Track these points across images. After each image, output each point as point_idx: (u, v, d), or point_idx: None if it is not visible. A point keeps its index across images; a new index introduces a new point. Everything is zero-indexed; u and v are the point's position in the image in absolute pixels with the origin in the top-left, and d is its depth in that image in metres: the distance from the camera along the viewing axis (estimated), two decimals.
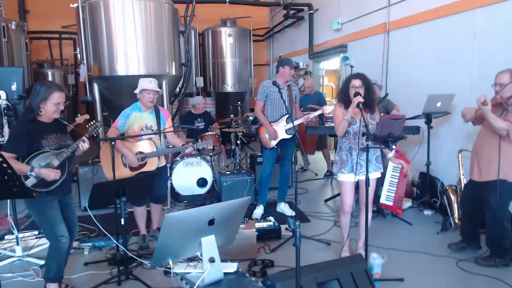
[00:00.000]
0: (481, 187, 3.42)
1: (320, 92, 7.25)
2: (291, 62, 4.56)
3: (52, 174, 2.70)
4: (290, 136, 4.54)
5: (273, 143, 4.59)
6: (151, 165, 3.77)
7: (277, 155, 4.77)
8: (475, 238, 3.66)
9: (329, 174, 6.49)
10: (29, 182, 2.67)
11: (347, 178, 3.39)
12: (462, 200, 3.90)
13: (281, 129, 4.55)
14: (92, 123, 3.10)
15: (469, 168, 3.62)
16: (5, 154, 2.58)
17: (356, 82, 3.26)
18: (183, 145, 3.85)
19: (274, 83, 4.38)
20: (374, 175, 3.38)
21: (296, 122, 4.46)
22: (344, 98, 3.35)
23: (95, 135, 3.10)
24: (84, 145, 2.87)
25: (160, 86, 4.47)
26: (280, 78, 4.51)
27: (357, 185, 3.44)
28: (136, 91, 3.79)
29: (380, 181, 4.46)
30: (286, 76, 4.50)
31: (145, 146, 3.75)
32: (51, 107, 2.77)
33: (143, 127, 3.78)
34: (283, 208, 4.86)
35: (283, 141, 4.60)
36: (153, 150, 3.73)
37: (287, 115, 4.51)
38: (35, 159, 2.70)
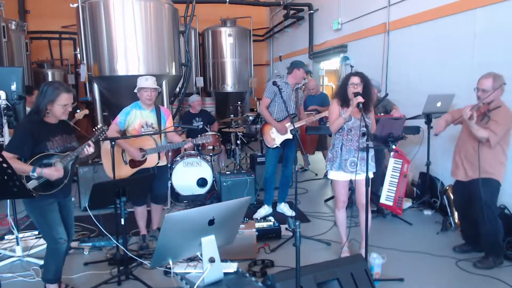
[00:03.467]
0: (469, 187, 3.46)
1: (324, 93, 7.23)
2: (305, 66, 4.55)
3: (55, 174, 2.68)
4: (293, 136, 4.54)
5: (277, 142, 4.58)
6: (151, 161, 3.78)
7: (280, 155, 4.76)
8: (477, 238, 3.65)
9: None
10: (31, 185, 2.65)
11: (337, 176, 3.42)
12: (455, 202, 3.93)
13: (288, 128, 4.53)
14: (98, 127, 3.08)
15: (451, 168, 3.65)
16: (7, 154, 2.58)
17: (355, 80, 3.28)
18: (183, 141, 3.87)
19: (274, 83, 4.38)
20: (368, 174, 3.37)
21: (300, 124, 4.47)
22: (342, 95, 3.36)
23: (100, 139, 3.08)
24: (89, 149, 2.86)
25: (160, 86, 4.47)
26: (292, 79, 4.50)
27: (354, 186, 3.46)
28: (135, 90, 3.83)
29: (380, 181, 4.48)
30: (299, 79, 4.50)
31: (145, 142, 3.75)
32: (59, 108, 2.75)
33: (143, 124, 3.81)
34: (283, 208, 4.86)
35: (285, 141, 4.59)
36: (153, 147, 3.74)
37: (294, 115, 4.51)
38: (39, 161, 2.68)
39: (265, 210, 4.75)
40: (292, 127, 4.49)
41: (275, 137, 4.59)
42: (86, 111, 5.06)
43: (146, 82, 3.77)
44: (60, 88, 2.75)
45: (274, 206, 5.00)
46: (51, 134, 2.77)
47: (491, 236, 3.40)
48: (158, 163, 3.82)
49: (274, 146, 4.58)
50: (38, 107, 2.75)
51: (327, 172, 3.63)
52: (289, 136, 4.53)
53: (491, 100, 3.30)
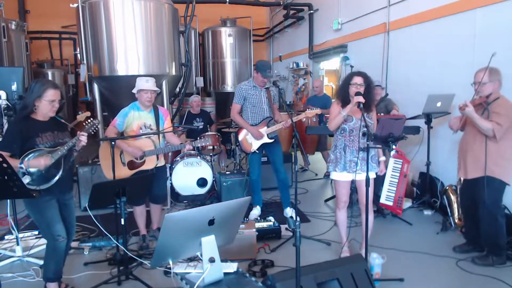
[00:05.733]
0: (472, 186, 3.44)
1: (327, 95, 7.20)
2: (265, 71, 4.33)
3: (42, 162, 2.66)
4: (273, 140, 4.49)
5: (254, 147, 4.49)
6: (150, 163, 3.77)
7: (261, 156, 4.69)
8: (479, 238, 3.63)
9: (329, 175, 6.47)
10: (24, 180, 2.65)
11: (340, 177, 3.42)
12: (461, 201, 3.93)
13: (263, 133, 4.47)
14: (89, 120, 3.09)
15: (457, 166, 3.65)
16: None
17: (358, 80, 3.26)
18: (181, 143, 3.86)
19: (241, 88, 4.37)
20: (370, 175, 3.34)
21: (276, 127, 4.40)
22: (343, 95, 3.35)
23: (92, 132, 3.08)
24: (83, 138, 2.85)
25: (160, 86, 4.47)
26: (255, 80, 4.45)
27: (355, 186, 3.46)
28: (134, 91, 3.80)
29: (380, 181, 4.48)
30: (257, 82, 4.42)
31: (143, 144, 3.75)
32: (46, 104, 2.76)
33: (142, 126, 3.79)
34: (289, 212, 4.70)
35: (265, 145, 4.52)
36: (151, 149, 3.74)
37: (270, 119, 4.47)
38: (29, 157, 2.68)
39: (258, 211, 4.70)
40: (270, 131, 4.43)
41: (251, 142, 4.51)
42: (88, 113, 5.05)
43: (147, 83, 3.74)
44: (47, 84, 2.79)
45: (270, 205, 4.99)
46: (40, 130, 2.78)
47: (490, 236, 3.40)
48: (156, 164, 3.82)
49: (252, 151, 4.52)
50: (26, 102, 2.78)
51: (329, 172, 3.62)
52: (266, 140, 4.48)
53: (489, 93, 3.27)
